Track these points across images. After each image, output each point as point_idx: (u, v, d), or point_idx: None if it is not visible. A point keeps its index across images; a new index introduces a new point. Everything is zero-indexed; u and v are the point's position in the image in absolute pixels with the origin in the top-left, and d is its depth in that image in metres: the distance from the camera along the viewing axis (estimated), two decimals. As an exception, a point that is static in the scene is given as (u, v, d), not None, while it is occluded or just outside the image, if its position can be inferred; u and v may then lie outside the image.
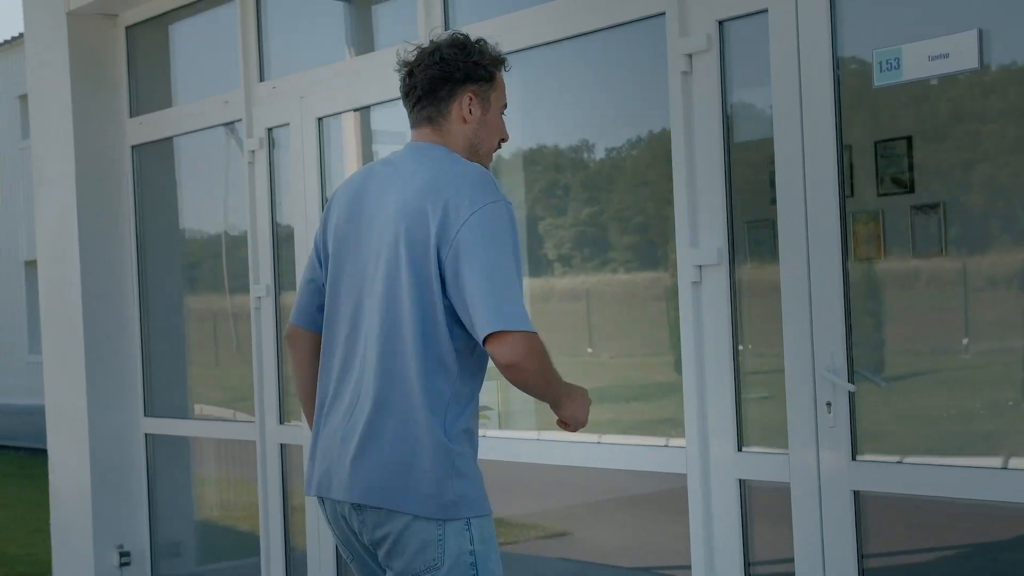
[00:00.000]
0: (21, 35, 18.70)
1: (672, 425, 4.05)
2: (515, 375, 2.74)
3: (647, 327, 4.32)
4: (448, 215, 2.76)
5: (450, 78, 2.91)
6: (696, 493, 4.00)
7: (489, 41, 3.02)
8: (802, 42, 3.70)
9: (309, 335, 3.12)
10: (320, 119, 5.40)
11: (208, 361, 6.68)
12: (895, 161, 3.59)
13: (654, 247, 4.32)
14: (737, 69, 3.95)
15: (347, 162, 5.43)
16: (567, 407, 2.91)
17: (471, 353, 2.86)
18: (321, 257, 3.07)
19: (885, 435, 3.72)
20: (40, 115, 6.69)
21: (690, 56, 3.98)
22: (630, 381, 4.46)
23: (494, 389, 5.06)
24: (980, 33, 3.37)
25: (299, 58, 5.73)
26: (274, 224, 5.68)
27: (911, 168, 3.60)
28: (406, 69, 2.97)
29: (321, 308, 3.07)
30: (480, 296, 2.69)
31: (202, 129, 6.15)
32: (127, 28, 6.54)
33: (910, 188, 3.61)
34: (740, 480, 3.93)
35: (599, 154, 3.71)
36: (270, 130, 5.66)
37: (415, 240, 2.80)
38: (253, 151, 5.70)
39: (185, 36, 6.60)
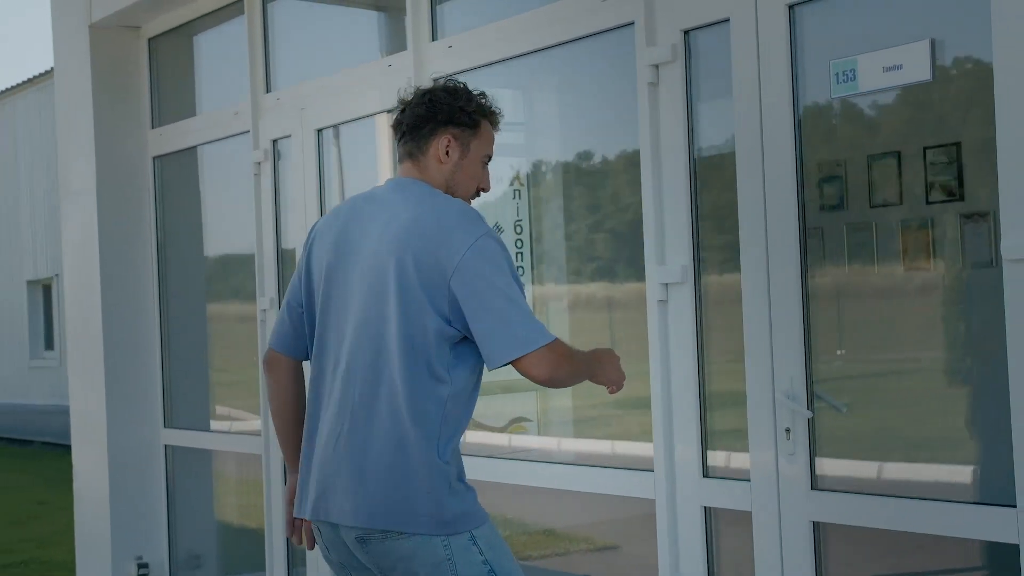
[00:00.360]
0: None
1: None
2: (553, 385, 2.87)
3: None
4: (441, 254, 2.81)
5: (432, 118, 2.98)
6: (663, 519, 3.86)
7: (489, 95, 3.08)
8: (762, 52, 3.56)
9: (286, 360, 3.16)
10: (319, 130, 5.35)
11: (232, 368, 6.67)
12: (944, 168, 3.39)
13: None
14: (705, 81, 3.81)
15: (380, 168, 5.29)
16: (601, 376, 2.99)
17: (463, 379, 2.90)
18: (303, 283, 3.10)
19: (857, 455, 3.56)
20: (65, 127, 6.75)
21: (656, 67, 3.85)
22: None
23: (533, 399, 4.98)
24: (932, 43, 3.20)
25: (306, 68, 5.69)
26: (279, 236, 5.65)
27: (960, 175, 3.40)
28: (401, 106, 3.05)
29: (298, 332, 3.11)
30: (496, 326, 2.76)
31: (215, 140, 6.15)
32: (150, 40, 6.57)
33: (959, 196, 3.43)
34: (705, 507, 3.78)
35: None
36: (275, 142, 5.63)
37: (405, 275, 2.83)
38: (259, 163, 5.68)
39: (209, 47, 6.61)
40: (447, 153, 2.99)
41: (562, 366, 2.80)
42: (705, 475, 3.78)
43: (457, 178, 3.00)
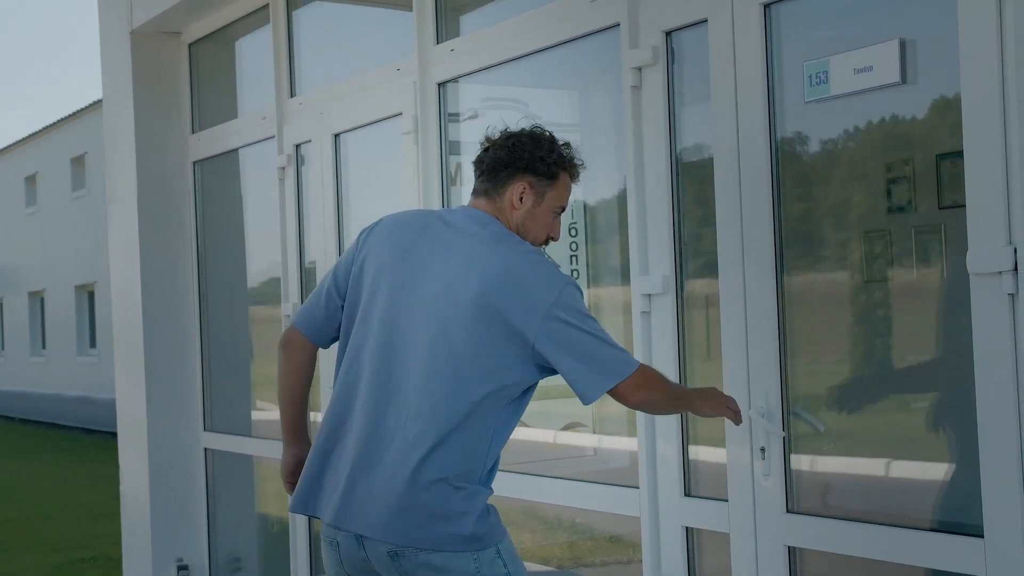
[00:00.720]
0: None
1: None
2: (646, 409, 3.05)
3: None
4: (529, 303, 2.85)
5: (511, 163, 3.00)
6: (647, 537, 3.73)
7: (574, 147, 3.08)
8: (738, 53, 3.40)
9: (308, 344, 3.16)
10: (336, 135, 5.30)
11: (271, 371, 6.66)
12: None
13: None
14: (689, 85, 3.66)
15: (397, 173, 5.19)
16: (704, 408, 3.05)
17: (514, 414, 2.97)
18: (351, 277, 3.08)
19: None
20: (111, 133, 6.81)
21: (639, 70, 3.71)
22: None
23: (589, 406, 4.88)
24: (902, 44, 3.01)
25: (333, 71, 5.65)
26: (301, 241, 5.62)
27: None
28: (485, 144, 3.09)
29: (331, 321, 3.12)
30: (587, 365, 2.83)
31: (246, 145, 6.15)
32: (190, 45, 6.60)
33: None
34: (685, 527, 3.65)
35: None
36: (298, 147, 5.60)
37: (484, 318, 2.86)
38: (282, 168, 5.65)
39: (250, 51, 6.61)
40: (521, 199, 3.00)
41: (653, 390, 2.90)
42: (686, 494, 3.65)
43: (528, 224, 3.02)
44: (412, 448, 2.86)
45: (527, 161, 2.99)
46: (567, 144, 3.06)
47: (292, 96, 5.72)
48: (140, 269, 6.48)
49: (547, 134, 3.05)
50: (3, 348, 29.49)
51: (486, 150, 3.06)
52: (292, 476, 3.19)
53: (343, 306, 3.08)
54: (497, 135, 3.07)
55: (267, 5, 5.94)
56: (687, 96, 3.67)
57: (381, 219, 3.14)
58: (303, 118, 5.55)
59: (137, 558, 6.68)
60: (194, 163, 6.58)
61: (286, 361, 3.18)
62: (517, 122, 3.12)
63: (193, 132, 6.58)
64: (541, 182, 3.00)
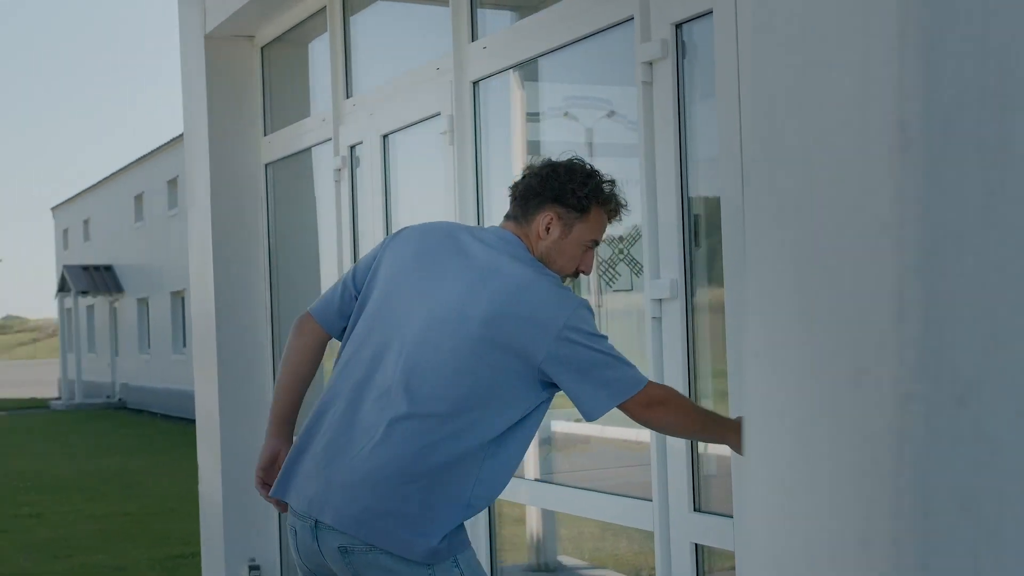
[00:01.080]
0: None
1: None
2: (661, 429, 3.03)
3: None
4: (541, 324, 2.82)
5: (541, 193, 3.00)
6: (659, 552, 3.58)
7: (619, 184, 3.04)
8: (741, 44, 3.22)
9: (319, 330, 3.14)
10: (384, 136, 5.24)
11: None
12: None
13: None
14: (701, 81, 3.50)
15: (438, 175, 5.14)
16: (738, 445, 2.97)
17: (515, 437, 2.91)
18: (369, 275, 3.08)
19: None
20: (189, 138, 6.88)
21: (650, 64, 3.56)
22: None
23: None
24: (895, 30, 2.80)
25: (382, 73, 5.59)
26: (356, 243, 5.58)
27: None
28: (525, 172, 3.11)
29: (343, 313, 3.12)
30: (592, 383, 2.81)
31: (313, 146, 6.13)
32: (263, 48, 6.62)
33: None
34: (694, 544, 3.48)
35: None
36: (352, 148, 5.57)
37: (493, 327, 2.83)
38: (338, 169, 5.62)
39: (323, 53, 6.60)
40: (547, 230, 2.99)
41: (664, 410, 2.86)
42: (696, 509, 3.48)
43: (552, 255, 2.99)
44: (396, 446, 2.82)
45: (557, 192, 2.96)
46: (611, 181, 3.01)
47: (348, 97, 5.68)
48: (213, 272, 6.52)
49: (587, 167, 3.01)
50: (149, 346, 30.38)
51: (523, 177, 3.06)
52: (263, 471, 3.15)
53: (357, 297, 3.08)
54: (536, 164, 3.06)
55: (320, 9, 5.92)
56: (699, 93, 3.50)
57: (409, 225, 3.13)
58: (356, 119, 5.51)
59: (213, 557, 6.74)
60: (266, 165, 6.60)
61: (294, 341, 3.15)
62: (561, 154, 3.07)
63: (265, 135, 6.60)
64: (570, 214, 2.97)
